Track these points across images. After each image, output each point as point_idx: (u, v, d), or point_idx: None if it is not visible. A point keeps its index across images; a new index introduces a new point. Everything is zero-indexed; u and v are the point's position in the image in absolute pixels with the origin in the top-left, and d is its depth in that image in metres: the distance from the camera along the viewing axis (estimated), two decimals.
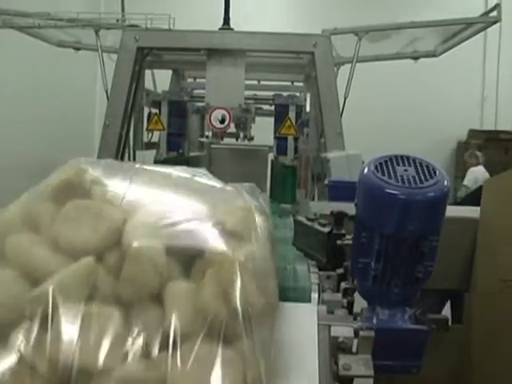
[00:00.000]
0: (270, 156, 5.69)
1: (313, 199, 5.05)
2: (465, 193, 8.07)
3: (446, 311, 3.52)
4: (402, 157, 1.56)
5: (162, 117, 5.25)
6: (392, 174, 1.49)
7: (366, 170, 1.52)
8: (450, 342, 2.32)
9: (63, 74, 9.32)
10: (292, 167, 5.23)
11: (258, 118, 5.64)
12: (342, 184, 3.11)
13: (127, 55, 4.84)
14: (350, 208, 1.73)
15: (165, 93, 5.53)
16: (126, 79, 4.86)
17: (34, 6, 5.53)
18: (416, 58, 6.22)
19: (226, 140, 5.52)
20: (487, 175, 8.23)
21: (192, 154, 6.06)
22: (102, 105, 5.12)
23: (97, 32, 5.13)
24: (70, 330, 0.90)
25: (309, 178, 5.20)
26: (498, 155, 9.98)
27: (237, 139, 5.50)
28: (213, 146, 5.74)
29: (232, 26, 5.22)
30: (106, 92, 5.00)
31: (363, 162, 1.62)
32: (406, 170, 1.51)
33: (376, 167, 1.51)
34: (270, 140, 5.57)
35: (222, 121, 4.80)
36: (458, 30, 5.53)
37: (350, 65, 5.22)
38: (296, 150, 5.33)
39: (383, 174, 1.48)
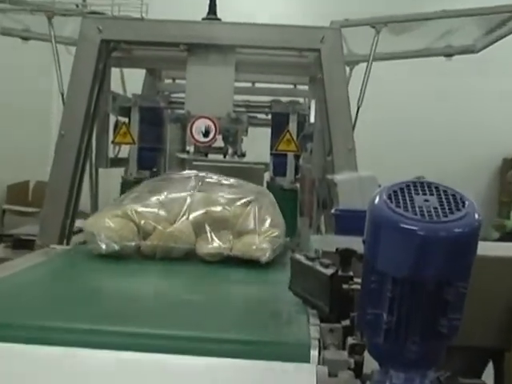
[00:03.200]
0: (266, 176, 5.72)
1: (318, 231, 5.06)
2: None
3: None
4: (422, 183, 1.57)
5: (132, 127, 5.27)
6: (409, 204, 1.50)
7: (376, 200, 1.53)
8: None
9: (10, 71, 9.38)
10: (292, 191, 5.25)
11: (251, 130, 5.67)
12: (351, 213, 3.12)
13: (88, 49, 4.87)
14: (360, 244, 1.74)
15: (136, 97, 5.56)
16: (87, 79, 4.88)
17: None
18: (450, 55, 6.19)
19: (212, 156, 5.54)
20: None
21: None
22: (59, 110, 5.13)
23: (50, 19, 5.15)
24: None
25: (313, 205, 5.21)
26: None
27: (225, 156, 5.51)
28: (195, 163, 5.76)
29: (220, 16, 5.27)
30: (62, 95, 5.02)
31: (380, 186, 1.63)
32: (426, 200, 1.52)
33: (389, 196, 1.52)
34: (265, 157, 5.60)
35: (207, 133, 4.83)
36: (505, 19, 5.50)
37: (365, 64, 5.27)
38: (297, 169, 5.35)
39: (398, 204, 1.49)
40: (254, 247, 2.66)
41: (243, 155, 5.53)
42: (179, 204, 2.84)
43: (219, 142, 5.27)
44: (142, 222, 2.78)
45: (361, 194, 3.69)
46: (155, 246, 2.71)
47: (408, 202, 1.50)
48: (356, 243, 1.84)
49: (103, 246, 2.66)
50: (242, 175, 5.57)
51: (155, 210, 2.83)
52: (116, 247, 2.65)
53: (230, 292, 2.36)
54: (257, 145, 5.70)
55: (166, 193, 2.92)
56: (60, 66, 5.14)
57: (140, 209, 2.83)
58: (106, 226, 2.72)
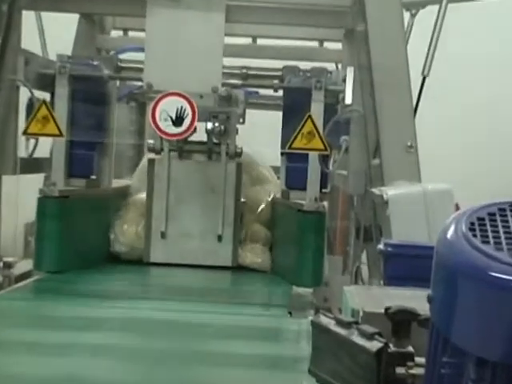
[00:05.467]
0: (276, 185, 5.76)
1: (356, 278, 5.06)
2: None
3: None
4: None
5: (57, 108, 5.24)
6: (504, 240, 1.49)
7: (451, 231, 1.53)
8: None
9: None
10: (316, 214, 5.21)
11: (249, 114, 5.66)
12: (410, 251, 3.12)
13: None
14: (424, 301, 1.73)
15: (64, 59, 5.53)
16: None
17: None
18: None
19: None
20: None
21: (117, 183, 6.07)
22: None
23: None
24: None
25: (349, 237, 5.21)
26: None
27: (209, 156, 5.47)
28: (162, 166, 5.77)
29: None
30: None
31: (458, 208, 1.63)
32: None
33: (472, 226, 1.52)
34: (274, 158, 5.63)
35: (179, 120, 4.80)
36: None
37: (435, 8, 5.30)
38: (325, 179, 5.34)
39: (486, 239, 1.49)
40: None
41: (238, 155, 5.46)
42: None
43: (201, 134, 5.26)
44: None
45: (426, 219, 3.70)
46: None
47: (502, 235, 1.50)
48: (418, 299, 1.84)
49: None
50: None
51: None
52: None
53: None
54: (260, 139, 5.72)
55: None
56: None
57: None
58: (120, 229, 5.76)
